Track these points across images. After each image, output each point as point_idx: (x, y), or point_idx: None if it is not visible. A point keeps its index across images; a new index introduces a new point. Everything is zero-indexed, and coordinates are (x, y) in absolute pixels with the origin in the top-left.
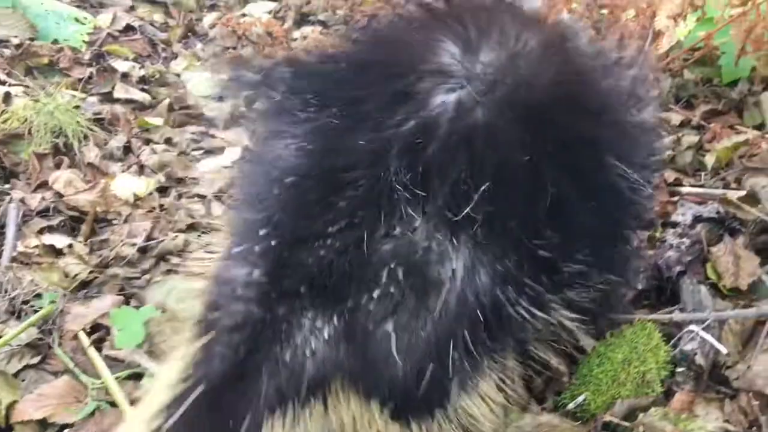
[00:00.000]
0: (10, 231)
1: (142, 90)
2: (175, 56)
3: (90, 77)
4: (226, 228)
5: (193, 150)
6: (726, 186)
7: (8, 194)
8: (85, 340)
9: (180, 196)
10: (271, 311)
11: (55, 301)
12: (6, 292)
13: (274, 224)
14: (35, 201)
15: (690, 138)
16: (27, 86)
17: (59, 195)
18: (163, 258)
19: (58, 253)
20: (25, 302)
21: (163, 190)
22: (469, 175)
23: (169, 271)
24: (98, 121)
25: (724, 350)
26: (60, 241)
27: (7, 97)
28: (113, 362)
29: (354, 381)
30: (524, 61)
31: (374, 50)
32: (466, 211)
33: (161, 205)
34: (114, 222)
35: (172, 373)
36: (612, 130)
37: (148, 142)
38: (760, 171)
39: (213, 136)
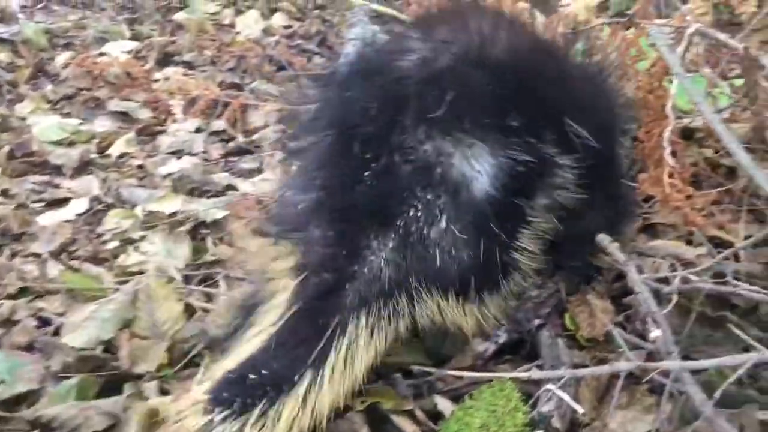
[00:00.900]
0: None
1: None
2: (21, 98)
3: None
4: None
5: (34, 202)
6: None
7: None
8: None
9: (13, 255)
10: (342, 236)
11: None
12: None
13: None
14: None
15: None
16: None
17: None
18: None
19: None
20: None
21: None
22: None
23: None
24: None
25: (580, 410)
26: None
27: None
28: None
29: (426, 278)
30: (477, 32)
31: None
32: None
33: None
34: None
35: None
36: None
37: None
38: None
39: (58, 186)
